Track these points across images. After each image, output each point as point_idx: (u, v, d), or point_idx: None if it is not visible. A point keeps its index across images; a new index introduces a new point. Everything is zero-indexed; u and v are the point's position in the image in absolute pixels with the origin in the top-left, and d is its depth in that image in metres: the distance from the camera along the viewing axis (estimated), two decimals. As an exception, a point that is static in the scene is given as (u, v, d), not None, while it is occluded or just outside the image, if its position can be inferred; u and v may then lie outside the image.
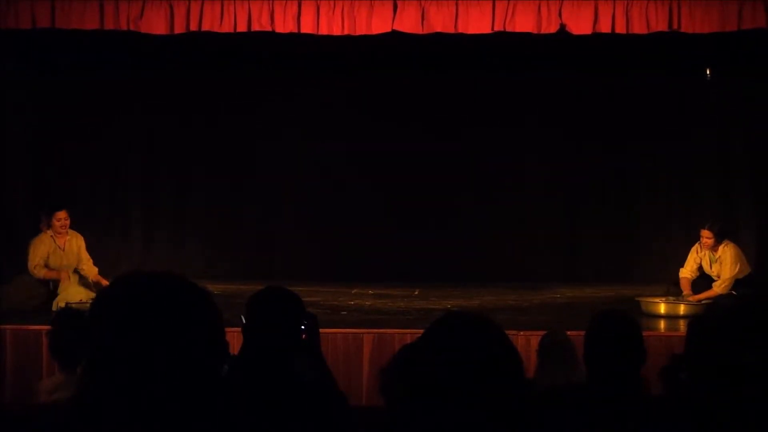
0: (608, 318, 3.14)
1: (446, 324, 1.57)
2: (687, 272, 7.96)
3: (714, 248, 7.82)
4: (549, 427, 2.46)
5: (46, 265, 7.85)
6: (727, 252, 7.76)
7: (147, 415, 1.26)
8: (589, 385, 3.00)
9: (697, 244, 8.00)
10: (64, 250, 7.93)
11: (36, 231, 8.06)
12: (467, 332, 1.54)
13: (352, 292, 8.97)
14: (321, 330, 3.22)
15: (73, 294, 7.55)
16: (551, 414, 2.56)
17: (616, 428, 2.67)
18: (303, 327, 2.91)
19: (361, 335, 6.34)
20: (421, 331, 1.62)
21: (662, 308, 7.39)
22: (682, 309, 7.32)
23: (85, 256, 8.07)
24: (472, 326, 1.55)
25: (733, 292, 7.62)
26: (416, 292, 8.96)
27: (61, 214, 7.92)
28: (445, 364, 1.46)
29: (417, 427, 1.47)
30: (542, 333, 5.04)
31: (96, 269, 8.08)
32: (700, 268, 7.96)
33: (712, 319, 3.57)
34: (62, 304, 7.35)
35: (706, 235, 7.82)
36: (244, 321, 2.92)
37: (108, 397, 1.26)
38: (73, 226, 8.13)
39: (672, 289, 7.98)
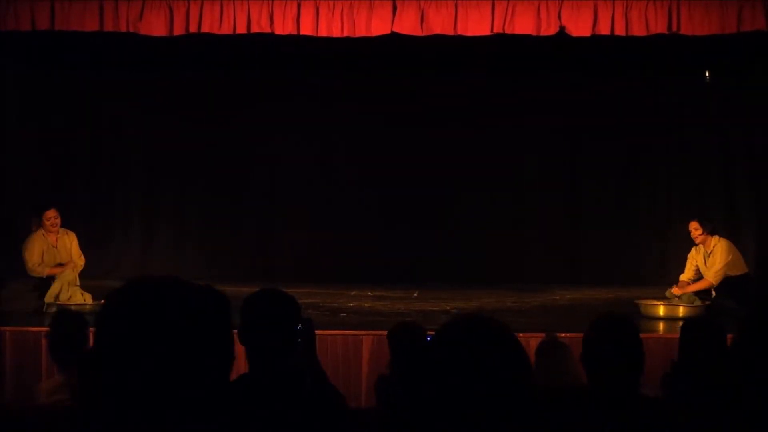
0: (607, 321, 3.13)
1: (453, 328, 1.57)
2: (686, 277, 7.99)
3: (706, 243, 7.84)
4: (551, 428, 2.45)
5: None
6: (719, 245, 7.81)
7: (152, 417, 1.26)
8: (589, 388, 2.99)
9: (693, 249, 8.01)
10: (56, 248, 7.91)
11: (27, 231, 8.03)
12: (475, 336, 1.54)
13: (352, 293, 8.97)
14: (320, 332, 3.21)
15: (61, 288, 7.56)
16: (553, 415, 2.56)
17: (614, 430, 2.67)
18: (298, 330, 2.88)
19: (361, 337, 6.33)
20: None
21: (661, 311, 7.39)
22: (681, 311, 7.31)
23: (77, 252, 8.04)
24: (479, 330, 1.55)
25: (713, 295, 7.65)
26: (415, 294, 8.96)
27: (51, 213, 7.87)
28: (452, 368, 1.46)
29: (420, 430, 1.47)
30: (542, 335, 5.05)
31: (82, 262, 8.00)
32: (699, 271, 7.98)
33: (704, 324, 3.58)
34: (51, 299, 7.39)
35: (694, 227, 7.87)
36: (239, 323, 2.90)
37: (113, 399, 1.26)
38: (73, 228, 8.11)
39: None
